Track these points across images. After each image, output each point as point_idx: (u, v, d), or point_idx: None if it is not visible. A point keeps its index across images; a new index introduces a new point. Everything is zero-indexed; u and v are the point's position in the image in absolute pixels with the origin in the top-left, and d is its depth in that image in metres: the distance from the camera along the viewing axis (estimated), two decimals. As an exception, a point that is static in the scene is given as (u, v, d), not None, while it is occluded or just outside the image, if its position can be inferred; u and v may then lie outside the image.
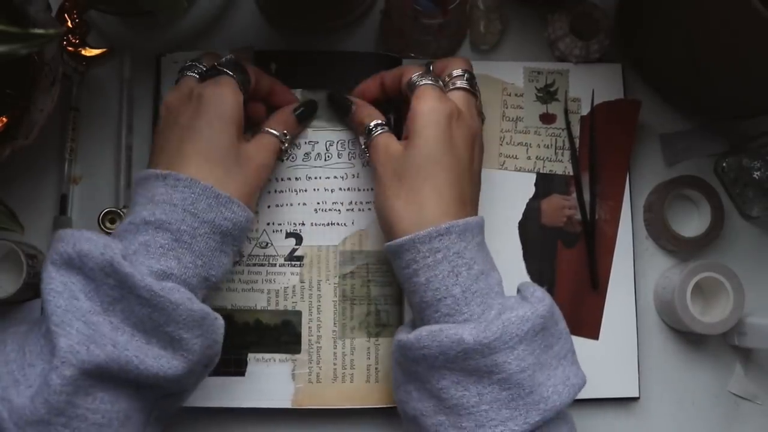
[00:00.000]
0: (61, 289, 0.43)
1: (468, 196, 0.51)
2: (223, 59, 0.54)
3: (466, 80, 0.54)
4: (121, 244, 0.45)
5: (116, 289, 0.43)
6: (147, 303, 0.43)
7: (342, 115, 0.59)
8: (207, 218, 0.47)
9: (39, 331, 0.44)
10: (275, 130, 0.55)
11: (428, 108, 0.50)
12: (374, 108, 0.57)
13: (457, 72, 0.54)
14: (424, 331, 0.47)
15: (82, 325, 0.42)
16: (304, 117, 0.58)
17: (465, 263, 0.48)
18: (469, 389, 0.45)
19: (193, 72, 0.53)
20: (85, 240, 0.44)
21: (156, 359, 0.44)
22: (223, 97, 0.50)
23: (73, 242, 0.44)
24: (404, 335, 0.49)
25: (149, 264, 0.45)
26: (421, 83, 0.52)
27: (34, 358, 0.43)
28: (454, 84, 0.53)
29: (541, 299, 0.48)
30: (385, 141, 0.53)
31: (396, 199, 0.50)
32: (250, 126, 0.55)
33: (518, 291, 0.51)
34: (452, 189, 0.49)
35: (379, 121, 0.55)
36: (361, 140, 0.56)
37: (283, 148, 0.56)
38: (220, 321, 0.47)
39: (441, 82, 0.53)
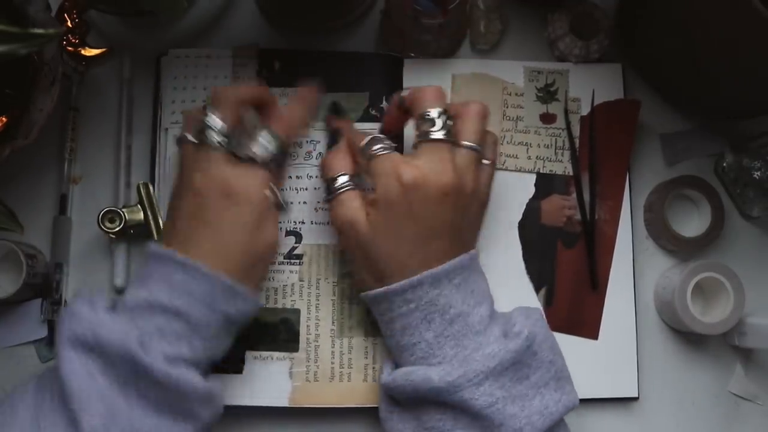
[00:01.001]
0: (81, 371, 0.45)
1: (445, 247, 0.50)
2: (267, 141, 0.51)
3: (440, 128, 0.50)
4: (137, 329, 0.46)
5: (133, 373, 0.45)
6: (162, 387, 0.45)
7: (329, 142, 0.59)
8: (223, 310, 0.49)
9: (52, 402, 0.45)
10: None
11: (381, 185, 0.50)
12: (347, 156, 0.54)
13: (427, 115, 0.51)
14: (399, 372, 0.50)
15: (102, 405, 0.44)
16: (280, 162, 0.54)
17: (438, 310, 0.49)
18: (444, 418, 0.48)
19: (215, 140, 0.50)
20: (102, 326, 0.45)
21: (168, 430, 0.46)
22: (251, 194, 0.50)
23: (91, 328, 0.45)
24: (385, 375, 0.52)
25: (163, 349, 0.46)
26: (375, 154, 0.51)
27: None
28: (425, 135, 0.50)
29: (517, 334, 0.49)
30: (349, 202, 0.52)
31: (361, 266, 0.52)
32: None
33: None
34: (423, 240, 0.49)
35: (347, 176, 0.52)
36: (325, 189, 0.54)
37: (280, 201, 0.52)
38: (220, 388, 0.49)
39: (415, 125, 0.51)
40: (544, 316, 0.53)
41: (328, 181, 0.53)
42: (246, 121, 0.51)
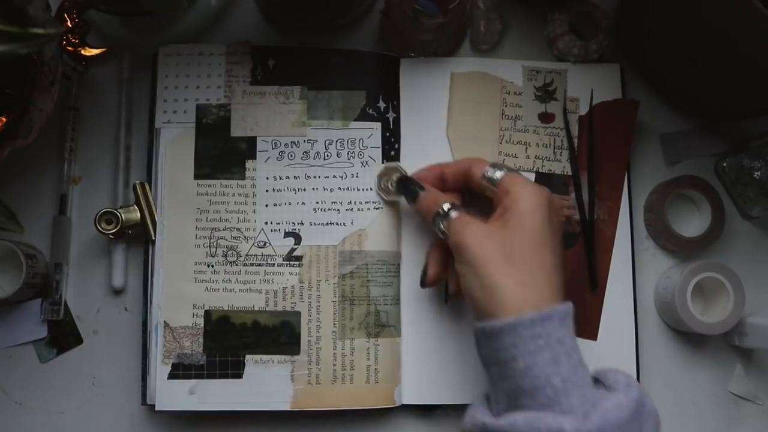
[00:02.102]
0: None
1: (562, 281, 0.49)
2: None
3: (503, 168, 0.53)
4: None
5: None
6: None
7: (408, 199, 0.57)
8: None
9: None
10: None
11: (529, 191, 0.50)
12: (440, 192, 0.55)
13: (488, 173, 0.53)
14: (519, 417, 0.44)
15: None
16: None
17: (565, 351, 0.45)
18: None
19: None
20: None
21: None
22: None
23: None
24: (490, 419, 0.46)
25: None
26: (504, 174, 0.52)
27: None
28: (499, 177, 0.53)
29: (628, 384, 0.46)
30: (471, 221, 0.51)
31: (507, 278, 0.47)
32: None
33: (595, 380, 0.48)
34: (554, 272, 0.48)
35: (454, 203, 0.53)
36: (435, 225, 0.53)
37: None
38: None
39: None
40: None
41: (436, 216, 0.53)
42: None
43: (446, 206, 0.52)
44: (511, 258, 0.48)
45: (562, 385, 0.44)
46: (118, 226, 0.57)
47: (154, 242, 0.59)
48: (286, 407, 0.57)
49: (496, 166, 0.53)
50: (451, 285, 0.56)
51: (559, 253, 0.49)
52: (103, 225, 0.58)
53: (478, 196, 0.55)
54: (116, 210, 0.58)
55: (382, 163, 0.60)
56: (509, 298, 0.46)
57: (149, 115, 0.61)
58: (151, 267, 0.59)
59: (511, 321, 0.45)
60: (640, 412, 0.45)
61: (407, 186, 0.57)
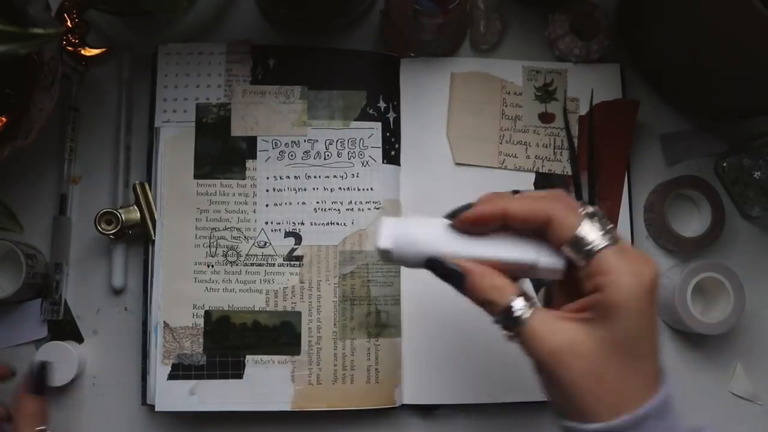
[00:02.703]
0: None
1: (659, 364, 0.41)
2: None
3: (601, 226, 0.40)
4: None
5: None
6: None
7: (453, 286, 0.44)
8: None
9: None
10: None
11: (636, 272, 0.39)
12: (499, 274, 0.42)
13: (586, 231, 0.40)
14: None
15: None
16: (41, 388, 0.54)
17: None
18: None
19: None
20: None
21: None
22: None
23: None
24: None
25: None
26: (606, 246, 0.40)
27: None
28: (597, 245, 0.40)
29: None
30: (556, 327, 0.40)
31: (600, 385, 0.39)
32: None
33: None
34: (653, 361, 0.40)
35: (521, 297, 0.41)
36: (499, 323, 0.42)
37: None
38: None
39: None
40: None
41: (502, 313, 0.41)
42: None
43: (516, 304, 0.41)
44: (607, 363, 0.39)
45: None
46: (118, 227, 0.57)
47: (153, 242, 0.59)
48: (287, 407, 0.57)
49: (593, 220, 0.40)
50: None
51: (659, 334, 0.41)
52: (104, 225, 0.58)
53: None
54: (116, 210, 0.58)
55: (383, 162, 0.60)
56: (601, 405, 0.39)
57: (149, 115, 0.61)
58: (151, 267, 0.59)
59: (601, 427, 0.39)
60: None
61: (445, 270, 0.44)
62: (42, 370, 0.54)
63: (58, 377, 0.57)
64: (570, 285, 0.42)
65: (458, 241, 0.44)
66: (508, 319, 0.41)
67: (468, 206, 0.44)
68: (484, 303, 0.42)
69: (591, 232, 0.40)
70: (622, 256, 0.40)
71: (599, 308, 0.39)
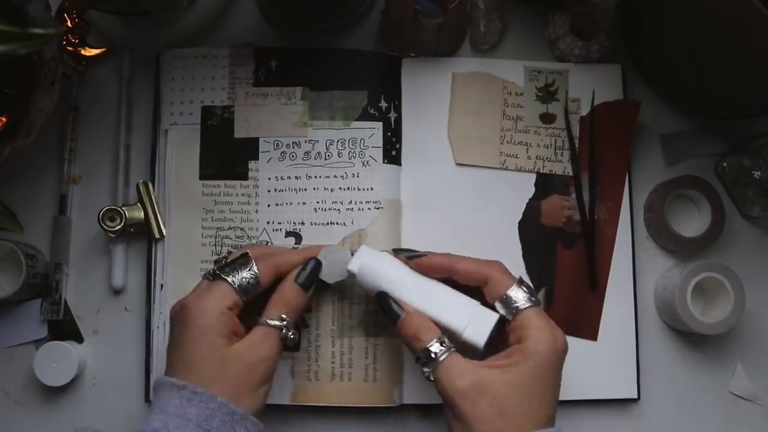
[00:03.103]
0: None
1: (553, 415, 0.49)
2: (231, 258, 0.53)
3: (528, 292, 0.51)
4: None
5: None
6: None
7: (388, 321, 0.52)
8: None
9: None
10: (272, 318, 0.51)
11: (549, 336, 0.48)
12: (428, 320, 0.51)
13: (515, 293, 0.50)
14: None
15: None
16: (308, 284, 0.53)
17: None
18: None
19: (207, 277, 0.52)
20: None
21: None
22: (206, 309, 0.49)
23: None
24: None
25: None
26: (530, 306, 0.49)
27: None
28: (523, 303, 0.50)
29: None
30: (463, 369, 0.48)
31: (500, 417, 0.47)
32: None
33: None
34: (551, 408, 0.48)
35: (441, 338, 0.49)
36: (417, 362, 0.50)
37: (284, 335, 0.51)
38: None
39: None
40: None
41: (422, 352, 0.49)
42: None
43: (434, 346, 0.49)
44: (505, 415, 0.46)
45: None
46: (122, 224, 0.58)
47: (157, 240, 0.59)
48: (286, 401, 0.57)
49: (522, 286, 0.50)
50: None
51: (556, 398, 0.48)
52: (107, 222, 0.58)
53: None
54: (120, 208, 0.58)
55: (384, 162, 0.60)
56: (516, 425, 0.46)
57: (153, 117, 0.61)
58: (154, 265, 0.59)
59: None
60: None
61: (386, 305, 0.52)
62: (316, 268, 0.53)
63: (58, 377, 0.57)
64: (494, 348, 0.50)
65: (409, 286, 0.52)
66: (427, 358, 0.49)
67: (421, 255, 0.54)
68: (411, 338, 0.50)
69: (519, 294, 0.50)
70: (542, 316, 0.49)
71: (516, 354, 0.48)
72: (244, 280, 0.51)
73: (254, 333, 0.51)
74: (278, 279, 0.53)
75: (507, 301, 0.50)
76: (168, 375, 0.49)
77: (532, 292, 0.51)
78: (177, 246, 0.59)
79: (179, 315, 0.50)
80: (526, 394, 0.47)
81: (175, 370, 0.49)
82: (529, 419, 0.46)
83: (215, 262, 0.55)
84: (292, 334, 0.51)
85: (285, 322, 0.51)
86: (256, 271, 0.52)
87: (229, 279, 0.51)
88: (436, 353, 0.49)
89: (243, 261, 0.52)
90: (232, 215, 0.59)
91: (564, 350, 0.49)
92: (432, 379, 0.49)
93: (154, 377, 0.51)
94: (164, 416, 0.46)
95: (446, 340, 0.49)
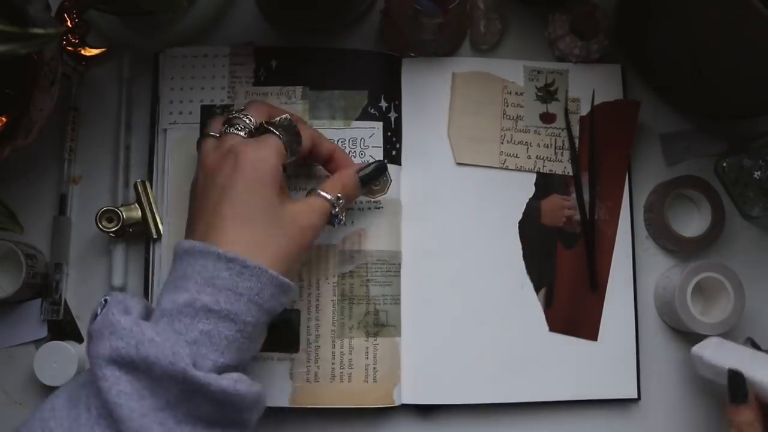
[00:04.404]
0: (130, 392, 0.41)
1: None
2: (277, 119, 0.51)
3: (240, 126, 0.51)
4: (183, 341, 0.43)
5: (185, 392, 0.42)
6: (218, 402, 0.43)
7: (734, 397, 0.51)
8: (268, 307, 0.46)
9: (89, 419, 0.41)
10: (328, 193, 0.51)
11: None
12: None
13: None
14: None
15: (157, 426, 0.41)
16: (370, 179, 0.55)
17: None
18: None
19: (238, 129, 0.50)
20: (149, 344, 0.41)
21: None
22: (263, 159, 0.48)
23: (135, 345, 0.41)
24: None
25: (214, 358, 0.44)
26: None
27: None
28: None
29: None
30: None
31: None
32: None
33: None
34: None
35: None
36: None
37: (334, 212, 0.51)
38: (263, 388, 0.46)
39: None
40: None
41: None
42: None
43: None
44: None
45: None
46: (119, 224, 0.58)
47: (155, 240, 0.59)
48: (285, 404, 0.57)
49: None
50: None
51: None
52: (104, 223, 0.58)
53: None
54: (117, 208, 0.58)
55: (383, 160, 0.60)
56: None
57: (152, 116, 0.61)
58: (152, 265, 0.59)
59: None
60: None
61: (739, 383, 0.51)
62: (382, 169, 0.56)
63: (58, 377, 0.57)
64: None
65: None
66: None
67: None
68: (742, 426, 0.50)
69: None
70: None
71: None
72: (291, 140, 0.50)
73: (310, 200, 0.51)
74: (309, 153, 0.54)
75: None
76: (201, 232, 0.47)
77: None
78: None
79: (227, 160, 0.48)
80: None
81: (215, 223, 0.46)
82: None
83: (224, 108, 0.54)
84: (341, 215, 0.52)
85: (340, 200, 0.52)
86: (302, 137, 0.51)
87: (281, 136, 0.49)
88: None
89: (288, 122, 0.50)
90: (231, 215, 0.59)
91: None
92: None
93: (181, 242, 0.47)
94: (212, 290, 0.44)
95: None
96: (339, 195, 0.52)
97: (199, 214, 0.48)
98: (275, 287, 0.46)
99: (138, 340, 0.41)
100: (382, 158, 0.60)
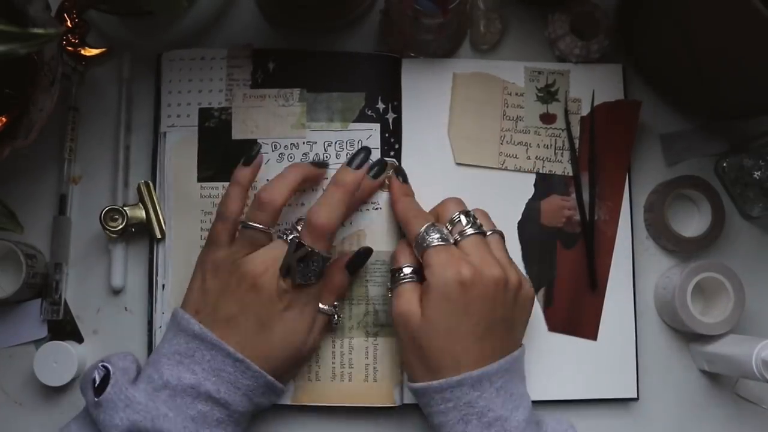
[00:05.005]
0: None
1: (496, 344, 0.52)
2: (314, 255, 0.53)
3: (470, 224, 0.54)
4: (185, 416, 0.49)
5: None
6: None
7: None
8: (258, 402, 0.53)
9: None
10: (326, 305, 0.56)
11: (437, 280, 0.51)
12: (408, 250, 0.55)
13: (455, 218, 0.54)
14: None
15: None
16: (357, 267, 0.57)
17: (476, 412, 0.50)
18: None
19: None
20: (163, 418, 0.48)
21: None
22: (302, 325, 0.54)
23: (151, 418, 0.48)
24: None
25: None
26: (430, 244, 0.52)
27: None
28: (462, 234, 0.54)
29: None
30: (408, 298, 0.53)
31: (412, 356, 0.52)
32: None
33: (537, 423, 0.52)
34: (473, 344, 0.51)
35: (415, 267, 0.54)
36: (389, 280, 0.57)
37: (334, 319, 0.57)
38: None
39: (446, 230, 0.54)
40: (575, 428, 0.54)
41: (393, 272, 0.55)
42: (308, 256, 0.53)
43: (405, 269, 0.54)
44: (421, 346, 0.51)
45: None
46: (124, 224, 0.58)
47: (158, 241, 0.59)
48: (287, 401, 0.57)
49: (432, 229, 0.53)
50: None
51: (483, 325, 0.51)
52: (109, 222, 0.58)
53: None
54: (121, 208, 0.58)
55: (383, 159, 0.60)
56: (433, 364, 0.51)
57: (153, 118, 0.61)
58: (156, 266, 0.59)
59: (423, 386, 0.51)
60: None
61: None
62: (366, 255, 0.57)
63: (58, 377, 0.57)
64: None
65: None
66: (393, 278, 0.55)
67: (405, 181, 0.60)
68: (392, 260, 0.56)
69: (427, 238, 0.53)
70: (438, 253, 0.52)
71: (426, 292, 0.51)
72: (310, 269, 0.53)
73: (318, 320, 0.55)
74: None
75: (418, 244, 0.53)
76: (209, 319, 0.52)
77: (443, 232, 0.53)
78: (177, 247, 0.59)
79: (273, 302, 0.52)
80: (438, 333, 0.51)
81: (230, 322, 0.52)
82: (445, 357, 0.50)
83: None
84: (338, 315, 0.57)
85: (336, 305, 0.56)
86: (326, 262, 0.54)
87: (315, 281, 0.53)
88: (400, 277, 0.54)
89: (319, 260, 0.53)
90: (230, 217, 0.59)
91: (461, 281, 0.50)
92: (391, 290, 0.55)
93: (191, 321, 0.52)
94: (216, 380, 0.50)
95: (418, 268, 0.54)
96: (336, 303, 0.57)
97: (226, 310, 0.52)
98: (268, 388, 0.53)
99: (153, 415, 0.48)
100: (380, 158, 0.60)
